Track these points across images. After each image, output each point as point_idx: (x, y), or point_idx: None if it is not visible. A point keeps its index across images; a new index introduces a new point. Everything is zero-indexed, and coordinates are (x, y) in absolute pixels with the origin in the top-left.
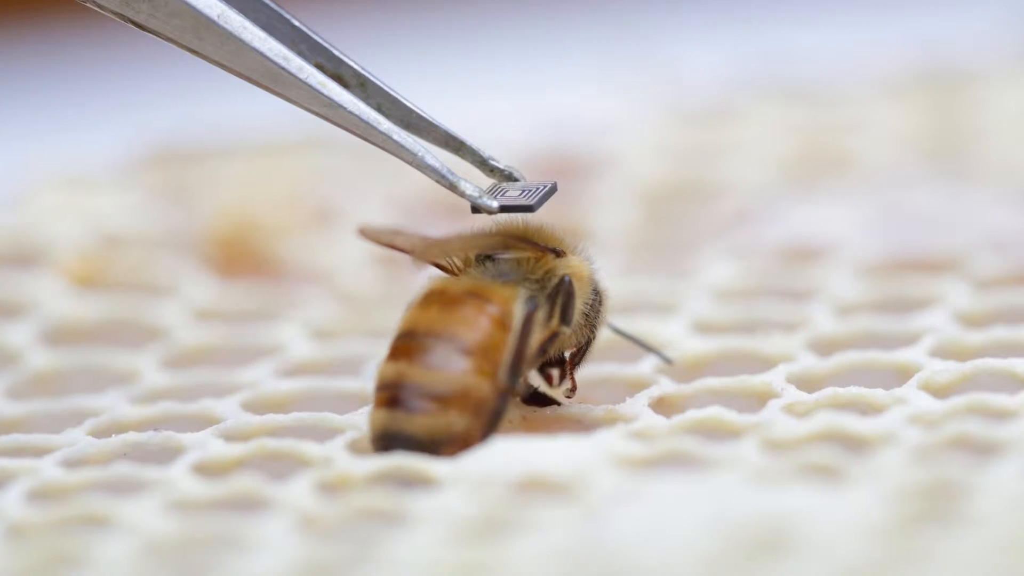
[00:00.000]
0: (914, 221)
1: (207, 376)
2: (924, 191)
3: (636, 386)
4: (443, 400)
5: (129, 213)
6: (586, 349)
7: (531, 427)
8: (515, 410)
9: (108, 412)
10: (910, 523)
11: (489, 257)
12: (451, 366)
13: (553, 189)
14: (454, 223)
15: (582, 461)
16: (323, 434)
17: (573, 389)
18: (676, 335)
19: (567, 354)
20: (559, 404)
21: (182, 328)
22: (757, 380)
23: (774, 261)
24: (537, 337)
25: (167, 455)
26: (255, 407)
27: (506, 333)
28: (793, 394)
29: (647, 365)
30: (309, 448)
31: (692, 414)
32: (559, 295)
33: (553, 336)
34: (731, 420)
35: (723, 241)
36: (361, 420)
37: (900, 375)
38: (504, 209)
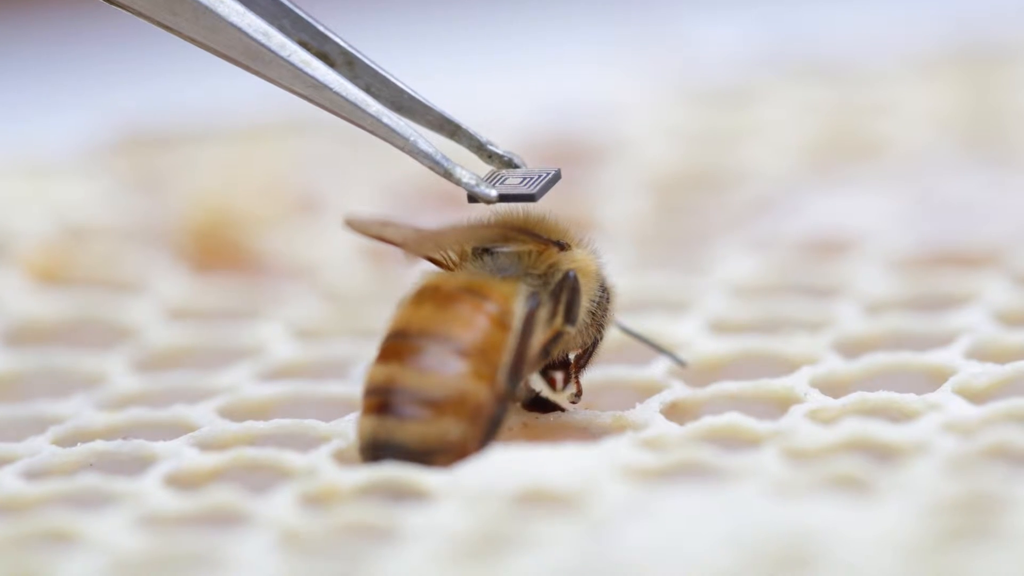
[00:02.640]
0: (949, 211)
1: (181, 380)
2: (959, 178)
3: (647, 391)
4: (437, 406)
5: (96, 203)
6: (592, 350)
7: (533, 435)
8: (515, 416)
9: (73, 419)
10: (945, 539)
11: (487, 250)
12: (446, 369)
13: (556, 177)
14: (449, 213)
15: (588, 472)
16: (307, 443)
17: (578, 394)
18: (690, 335)
19: (572, 356)
20: (563, 410)
21: (153, 327)
22: (778, 384)
23: (797, 255)
24: (539, 337)
25: (137, 465)
26: (233, 413)
27: (505, 333)
28: (817, 399)
29: (659, 368)
30: (292, 458)
31: (708, 421)
32: (563, 292)
33: (556, 336)
34: (750, 427)
35: (741, 233)
36: (348, 427)
37: (934, 378)
38: (504, 198)
